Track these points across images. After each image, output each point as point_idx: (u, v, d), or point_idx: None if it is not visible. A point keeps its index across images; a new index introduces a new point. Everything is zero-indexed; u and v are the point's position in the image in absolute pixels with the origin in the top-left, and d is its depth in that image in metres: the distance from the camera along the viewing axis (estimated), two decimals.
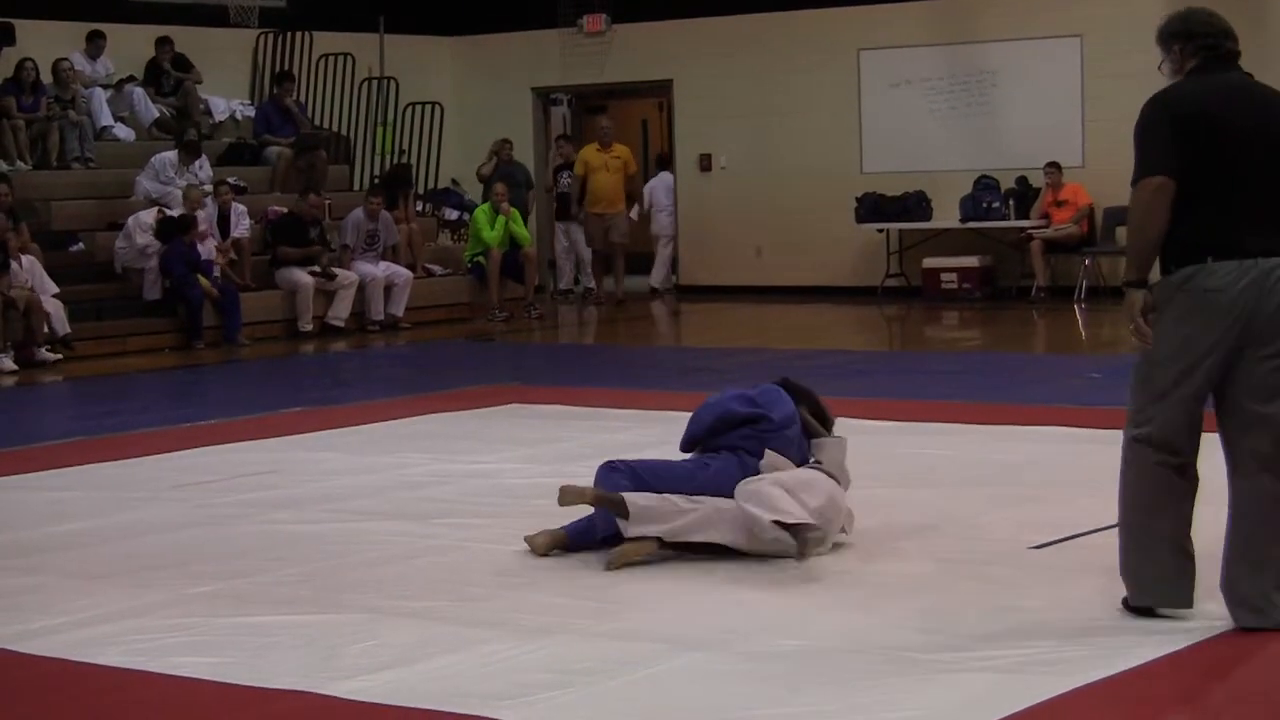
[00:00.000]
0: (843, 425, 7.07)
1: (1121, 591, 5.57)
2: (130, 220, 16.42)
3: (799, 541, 6.22)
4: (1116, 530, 5.52)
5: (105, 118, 18.36)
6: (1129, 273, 5.43)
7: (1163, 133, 5.34)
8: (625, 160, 19.85)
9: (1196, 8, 5.71)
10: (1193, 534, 5.44)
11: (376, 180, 19.69)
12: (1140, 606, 5.49)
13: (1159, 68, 5.67)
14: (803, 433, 6.71)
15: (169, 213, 16.55)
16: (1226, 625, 5.39)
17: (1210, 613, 5.51)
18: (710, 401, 6.83)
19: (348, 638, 5.54)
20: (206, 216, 16.67)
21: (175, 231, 16.14)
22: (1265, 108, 5.45)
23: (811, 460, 6.68)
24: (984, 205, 18.91)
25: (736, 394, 6.79)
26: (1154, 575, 5.45)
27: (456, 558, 6.70)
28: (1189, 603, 5.45)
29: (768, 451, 6.61)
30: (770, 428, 6.63)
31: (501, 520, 7.33)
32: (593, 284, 20.54)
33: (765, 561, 6.38)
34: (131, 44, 19.04)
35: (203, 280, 15.99)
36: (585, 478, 8.24)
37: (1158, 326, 5.34)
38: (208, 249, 16.44)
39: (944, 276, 19.01)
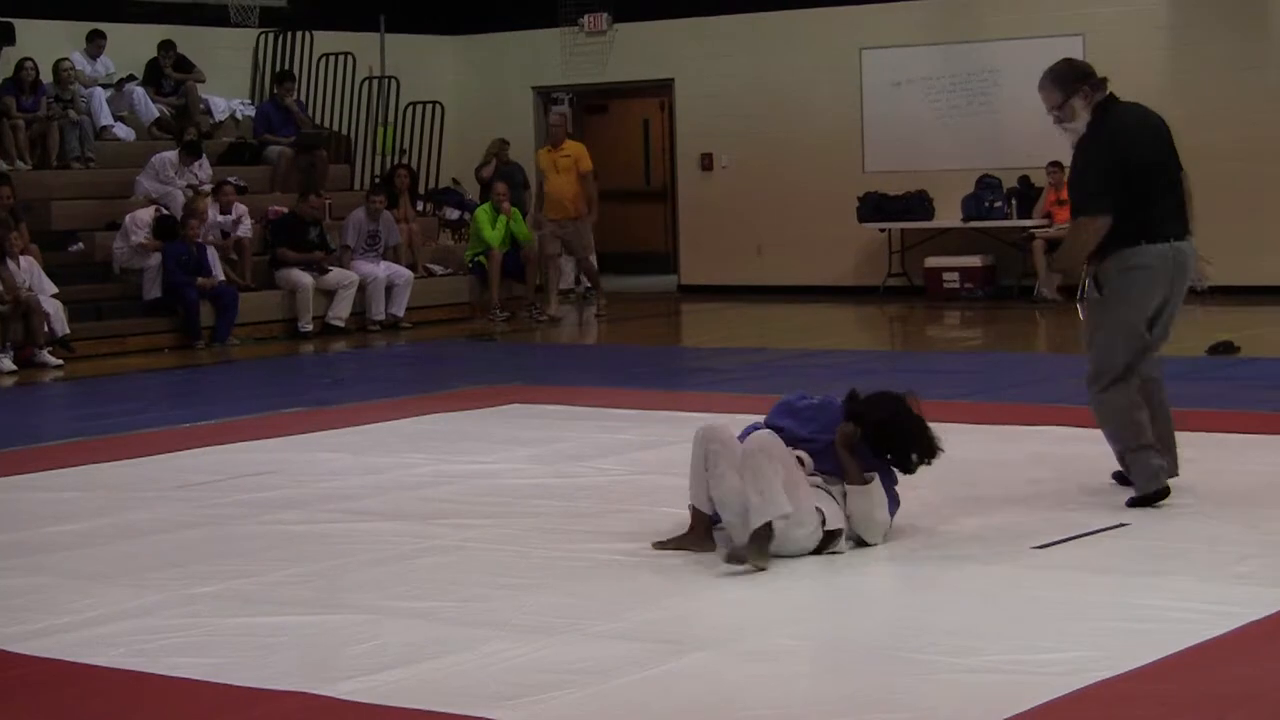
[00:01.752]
0: None
1: (1126, 588, 5.58)
2: (127, 219, 16.43)
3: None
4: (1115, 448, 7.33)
5: (105, 117, 18.37)
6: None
7: (1108, 173, 7.18)
8: (576, 158, 17.74)
9: (1070, 57, 7.69)
10: None
11: (377, 180, 19.70)
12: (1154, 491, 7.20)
13: (1059, 109, 7.31)
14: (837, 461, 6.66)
15: (166, 212, 16.56)
16: (1230, 625, 5.40)
17: (1214, 613, 5.52)
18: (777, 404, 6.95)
19: (349, 638, 5.55)
20: (211, 224, 16.67)
21: (173, 232, 16.16)
22: (1158, 130, 7.43)
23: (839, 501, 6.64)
24: (986, 204, 18.92)
25: (788, 403, 6.84)
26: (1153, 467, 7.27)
27: (458, 558, 6.71)
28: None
29: (761, 431, 6.64)
30: (785, 439, 6.65)
31: (503, 521, 7.34)
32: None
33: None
34: (132, 43, 19.05)
35: (201, 280, 15.99)
36: (586, 478, 8.30)
37: (1109, 298, 7.27)
38: (213, 255, 16.44)
39: (946, 276, 19.03)
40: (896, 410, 6.71)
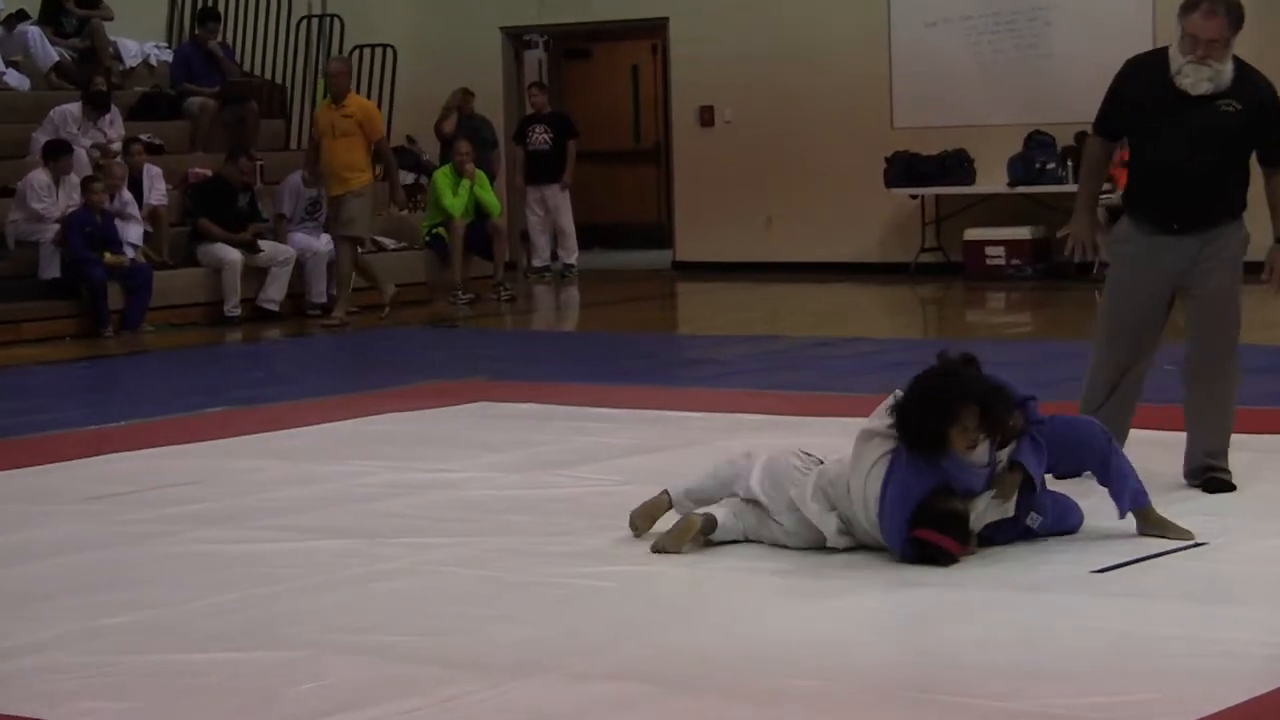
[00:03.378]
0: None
1: (1200, 620, 5.66)
2: (20, 184, 16.40)
3: None
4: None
5: None
6: None
7: None
8: (360, 118, 16.69)
9: None
10: None
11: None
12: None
13: (1223, 45, 7.40)
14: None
15: (57, 139, 16.53)
16: None
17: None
18: None
19: (285, 678, 5.55)
20: (122, 202, 16.66)
21: (67, 148, 16.14)
22: None
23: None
24: (1036, 166, 18.96)
25: None
26: None
27: (415, 583, 6.72)
28: None
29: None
30: None
31: (467, 539, 7.36)
32: (571, 261, 20.55)
33: (775, 585, 6.42)
34: None
35: (108, 256, 15.95)
36: (564, 489, 8.31)
37: (1239, 259, 7.90)
38: (132, 230, 16.43)
39: (989, 251, 19.07)
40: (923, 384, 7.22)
